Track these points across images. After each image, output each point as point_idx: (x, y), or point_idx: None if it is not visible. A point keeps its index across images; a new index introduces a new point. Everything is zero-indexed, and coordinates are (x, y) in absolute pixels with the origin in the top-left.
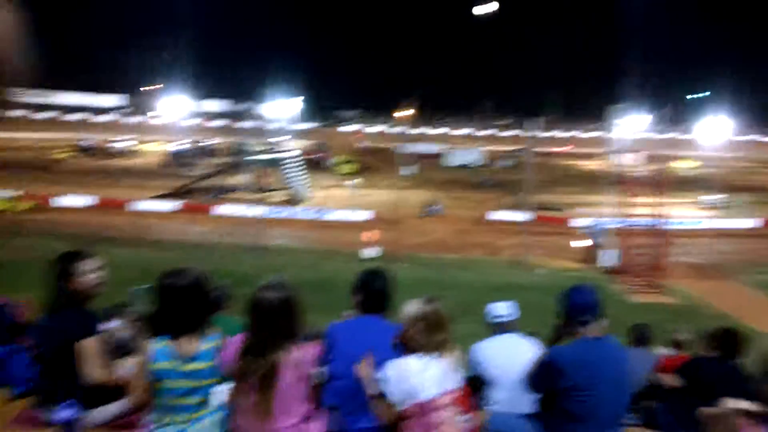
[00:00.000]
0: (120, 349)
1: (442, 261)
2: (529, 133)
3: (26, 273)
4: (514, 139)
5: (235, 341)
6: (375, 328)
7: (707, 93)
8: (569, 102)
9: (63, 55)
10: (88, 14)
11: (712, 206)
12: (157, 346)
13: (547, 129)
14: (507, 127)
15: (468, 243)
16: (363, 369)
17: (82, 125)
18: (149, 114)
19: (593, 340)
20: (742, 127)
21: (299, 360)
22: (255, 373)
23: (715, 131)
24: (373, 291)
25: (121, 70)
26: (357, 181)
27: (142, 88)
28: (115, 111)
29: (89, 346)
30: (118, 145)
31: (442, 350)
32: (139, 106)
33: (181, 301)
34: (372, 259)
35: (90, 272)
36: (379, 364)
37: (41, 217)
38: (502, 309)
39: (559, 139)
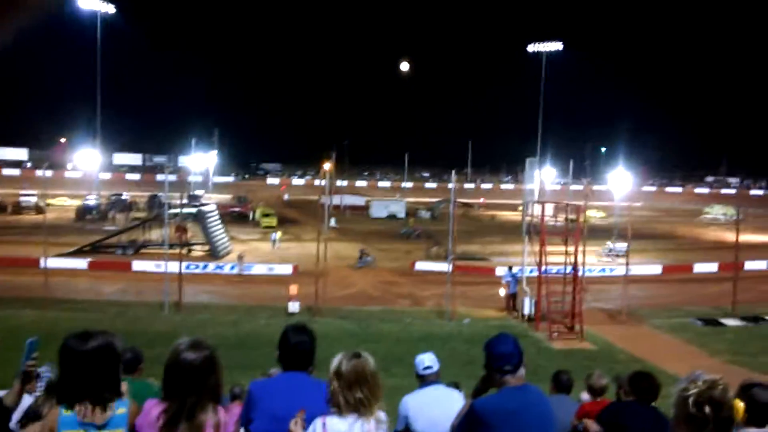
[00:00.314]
0: (27, 416)
1: (367, 313)
2: (451, 185)
3: None
4: (436, 191)
5: (152, 406)
6: (299, 385)
7: (603, 149)
8: (489, 154)
9: None
10: None
11: (618, 254)
12: (64, 413)
13: (469, 181)
14: (429, 179)
15: (392, 294)
16: (295, 426)
17: None
18: (59, 168)
19: (515, 389)
20: (641, 178)
21: (223, 422)
22: None
23: (619, 183)
24: (295, 347)
25: (28, 123)
26: (279, 234)
27: (48, 141)
28: (22, 165)
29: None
30: (25, 200)
31: (364, 409)
32: (47, 160)
33: (88, 366)
34: (294, 314)
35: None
36: (306, 422)
37: None
38: (429, 360)
39: (480, 190)
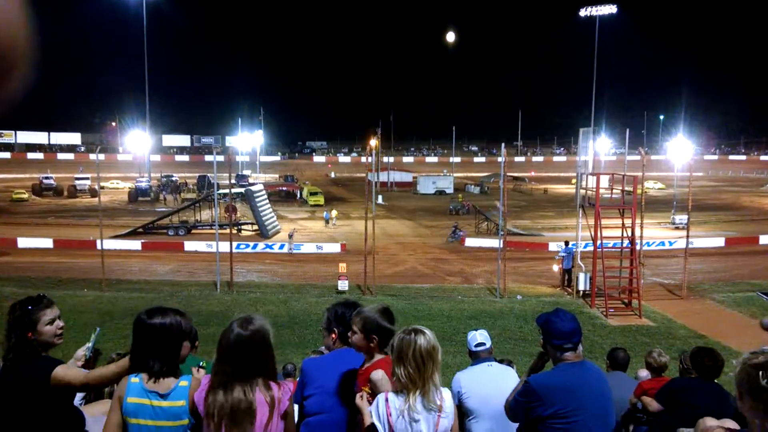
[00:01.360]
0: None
1: (416, 290)
2: (501, 159)
3: None
4: (486, 165)
5: (207, 380)
6: (352, 361)
7: (662, 117)
8: (539, 126)
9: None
10: (45, 52)
11: (682, 226)
12: (132, 381)
13: (519, 154)
14: (478, 153)
15: (442, 271)
16: (361, 401)
17: (44, 164)
18: (112, 151)
19: (572, 366)
20: (703, 146)
21: (274, 397)
22: (228, 411)
23: (679, 152)
24: (345, 323)
25: (82, 108)
26: (335, 213)
27: (99, 126)
28: (75, 149)
29: (62, 372)
30: (80, 183)
31: (416, 386)
32: (101, 144)
33: (158, 340)
34: (344, 293)
35: (49, 322)
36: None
37: (1, 261)
38: (481, 337)
39: (531, 163)
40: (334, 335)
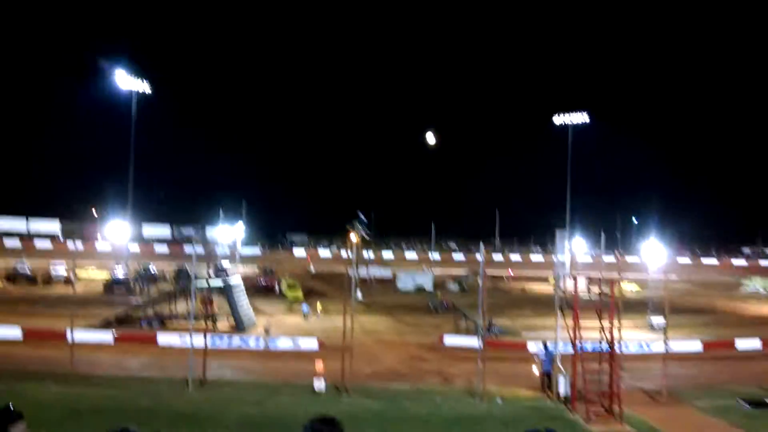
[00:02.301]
0: None
1: (395, 391)
2: (480, 257)
3: None
4: (465, 262)
5: None
6: None
7: (635, 220)
8: (517, 225)
9: None
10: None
11: (658, 328)
12: None
13: (496, 250)
14: (456, 250)
15: (421, 370)
16: None
17: (18, 251)
18: (89, 239)
19: None
20: (676, 250)
21: None
22: None
23: (653, 255)
24: None
25: (58, 195)
26: (319, 306)
27: (82, 213)
28: (52, 237)
29: None
30: (55, 272)
31: None
32: (76, 232)
33: None
34: (320, 394)
35: None
36: None
37: None
38: None
39: (509, 262)
40: None
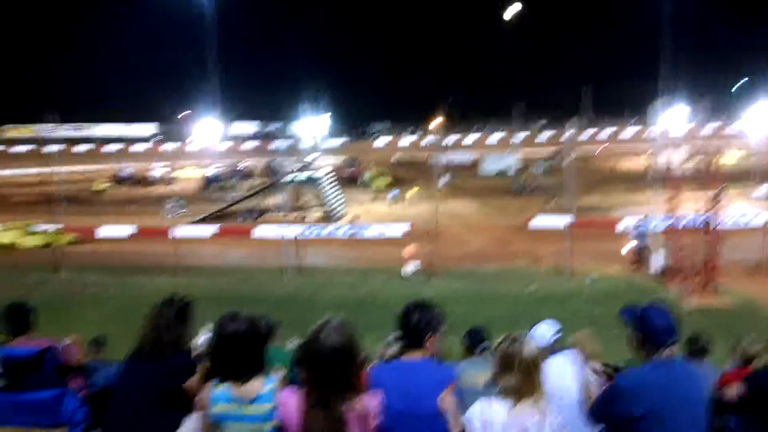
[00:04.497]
0: None
1: (483, 273)
2: (566, 135)
3: (68, 310)
4: (551, 142)
5: (291, 395)
6: (423, 371)
7: (746, 79)
8: (605, 99)
9: (90, 86)
10: (111, 46)
11: (763, 199)
12: (216, 389)
13: (585, 128)
14: (541, 130)
15: (509, 252)
16: (447, 402)
17: (119, 155)
18: (182, 140)
19: (665, 363)
20: None
21: (364, 412)
22: (321, 429)
23: (761, 119)
24: (415, 327)
25: (150, 98)
26: (412, 192)
27: (173, 115)
28: (148, 139)
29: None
30: (154, 173)
31: (517, 397)
32: (171, 133)
33: (238, 346)
34: (410, 275)
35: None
36: (428, 411)
37: (82, 250)
38: (546, 332)
39: (598, 139)
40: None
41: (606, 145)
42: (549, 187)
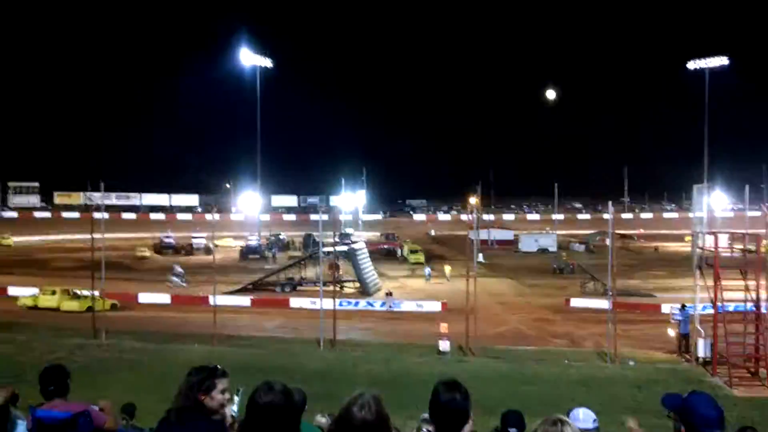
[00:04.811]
0: None
1: (520, 353)
2: (606, 215)
3: (104, 375)
4: (590, 223)
5: None
6: None
7: None
8: (645, 180)
9: (140, 158)
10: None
11: None
12: None
13: (626, 211)
14: (582, 210)
15: (547, 333)
16: None
17: (162, 224)
18: (224, 211)
19: None
20: None
21: None
22: None
23: None
24: (447, 406)
25: (194, 170)
26: (448, 268)
27: (215, 187)
28: (191, 209)
29: None
30: (196, 242)
31: None
32: (213, 204)
33: (273, 417)
34: (445, 353)
35: (221, 391)
36: None
37: (122, 315)
38: (586, 419)
39: (638, 220)
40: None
41: (638, 232)
42: (588, 268)
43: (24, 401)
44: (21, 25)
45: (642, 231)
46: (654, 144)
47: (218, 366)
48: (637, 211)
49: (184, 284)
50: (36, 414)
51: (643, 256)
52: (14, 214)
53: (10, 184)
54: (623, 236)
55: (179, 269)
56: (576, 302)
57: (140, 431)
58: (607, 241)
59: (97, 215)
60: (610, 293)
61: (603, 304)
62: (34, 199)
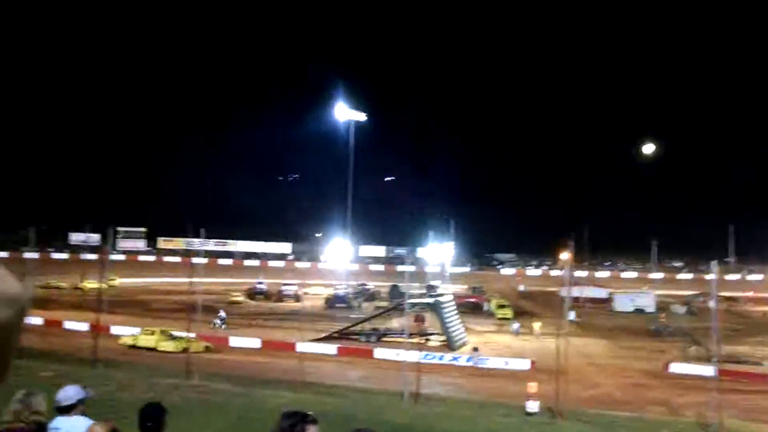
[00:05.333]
0: None
1: (613, 418)
2: (710, 275)
3: (196, 416)
4: (690, 283)
5: None
6: None
7: None
8: (749, 240)
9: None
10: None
11: None
12: None
13: (732, 272)
14: (682, 270)
15: (642, 399)
16: None
17: (256, 270)
18: (314, 259)
19: None
20: None
21: None
22: None
23: None
24: None
25: (287, 219)
26: (538, 325)
27: (307, 235)
28: (284, 257)
29: None
30: (287, 289)
31: None
32: (305, 252)
33: None
34: (533, 414)
35: None
36: None
37: (214, 357)
38: None
39: (746, 282)
40: None
41: (749, 294)
42: (689, 331)
43: None
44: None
45: (752, 293)
46: (763, 200)
47: (310, 413)
48: (744, 272)
49: (224, 327)
50: None
51: (751, 320)
52: (122, 257)
53: (120, 228)
54: (729, 298)
55: (223, 314)
56: (676, 367)
57: None
58: (711, 303)
59: (195, 260)
60: (715, 359)
61: (707, 370)
62: (141, 243)
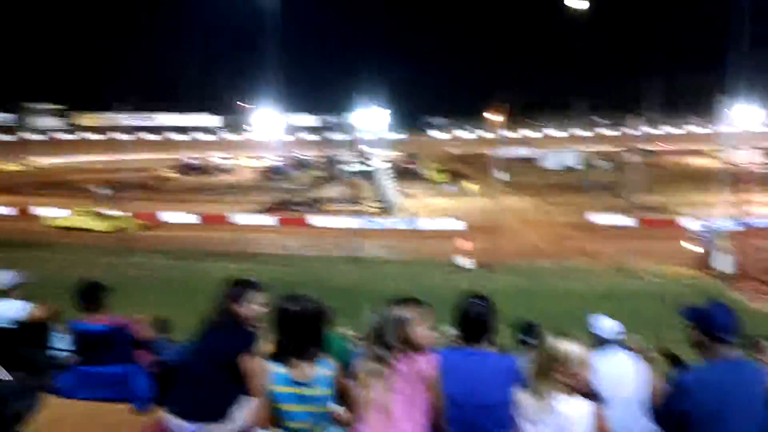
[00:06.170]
0: None
1: (540, 269)
2: (631, 131)
3: (136, 292)
4: (614, 139)
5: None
6: (489, 359)
7: None
8: (671, 96)
9: (155, 78)
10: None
11: None
12: (275, 370)
13: (649, 126)
14: (605, 126)
15: (567, 249)
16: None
17: (184, 145)
18: (244, 131)
19: (730, 362)
20: None
21: (424, 372)
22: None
23: None
24: (474, 320)
25: (213, 90)
26: (470, 186)
27: (235, 107)
28: (212, 130)
29: (257, 362)
30: (218, 163)
31: (556, 393)
32: (234, 124)
33: (299, 328)
34: (467, 270)
35: (258, 304)
36: (493, 400)
37: (150, 235)
38: (608, 325)
39: (662, 136)
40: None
41: (661, 146)
42: (612, 185)
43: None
44: None
45: (661, 146)
46: (676, 53)
47: (256, 280)
48: (664, 125)
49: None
50: (76, 327)
51: (666, 171)
52: (42, 137)
53: (31, 105)
54: (647, 152)
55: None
56: (596, 218)
57: (175, 343)
58: (631, 157)
59: (119, 136)
60: (633, 209)
61: (624, 220)
62: (55, 121)
